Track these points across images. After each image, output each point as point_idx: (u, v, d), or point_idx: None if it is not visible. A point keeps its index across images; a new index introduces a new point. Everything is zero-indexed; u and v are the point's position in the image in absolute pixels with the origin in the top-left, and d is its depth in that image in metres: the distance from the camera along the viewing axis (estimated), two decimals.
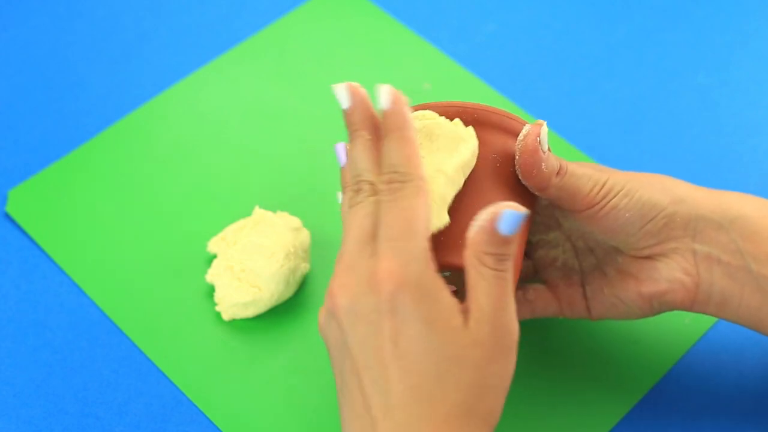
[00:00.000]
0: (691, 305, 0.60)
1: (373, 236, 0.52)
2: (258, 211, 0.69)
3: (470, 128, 0.57)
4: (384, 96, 0.53)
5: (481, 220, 0.51)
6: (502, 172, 0.57)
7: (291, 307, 0.68)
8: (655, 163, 0.75)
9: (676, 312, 0.67)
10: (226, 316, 0.67)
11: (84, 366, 0.66)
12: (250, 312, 0.67)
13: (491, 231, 0.51)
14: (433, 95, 0.77)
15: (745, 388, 0.65)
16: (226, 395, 0.64)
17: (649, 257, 0.60)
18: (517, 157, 0.57)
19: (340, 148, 0.57)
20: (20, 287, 0.69)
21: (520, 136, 0.57)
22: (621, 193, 0.58)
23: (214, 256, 0.70)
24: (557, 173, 0.57)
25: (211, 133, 0.76)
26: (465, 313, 0.51)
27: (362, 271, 0.51)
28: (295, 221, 0.69)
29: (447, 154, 0.56)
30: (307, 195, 0.72)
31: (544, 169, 0.56)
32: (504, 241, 0.51)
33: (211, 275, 0.67)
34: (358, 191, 0.53)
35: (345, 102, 0.55)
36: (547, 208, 0.63)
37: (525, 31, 0.82)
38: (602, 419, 0.63)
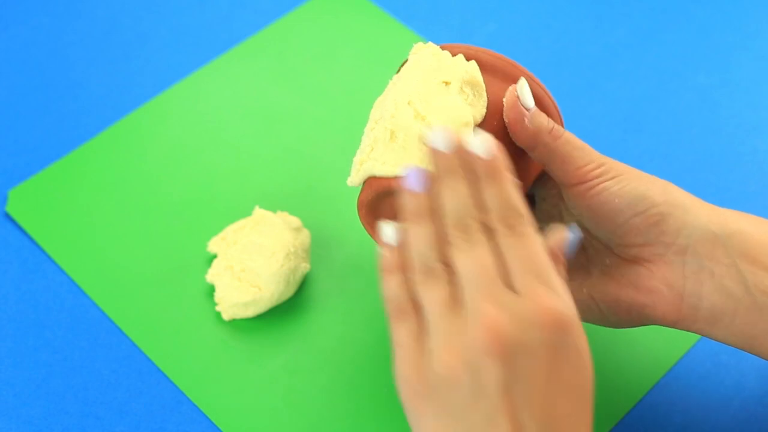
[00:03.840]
0: (674, 321, 0.58)
1: (499, 274, 0.51)
2: (258, 211, 0.69)
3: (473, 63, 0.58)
4: (480, 144, 0.52)
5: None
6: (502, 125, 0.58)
7: (291, 307, 0.68)
8: (655, 163, 0.75)
9: None
10: (226, 316, 0.67)
11: (84, 366, 0.66)
12: (250, 312, 0.67)
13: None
14: None
15: (745, 388, 0.65)
16: (226, 395, 0.64)
17: (634, 261, 0.58)
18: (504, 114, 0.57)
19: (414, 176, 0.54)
20: (20, 287, 0.69)
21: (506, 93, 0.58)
22: (616, 178, 0.57)
23: (214, 256, 0.70)
24: (549, 132, 0.57)
25: (211, 133, 0.76)
26: None
27: (519, 308, 0.50)
28: (295, 221, 0.69)
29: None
30: (307, 195, 0.72)
31: (528, 125, 0.56)
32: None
33: (211, 275, 0.67)
34: (466, 229, 0.52)
35: (444, 145, 0.53)
36: (553, 197, 0.62)
37: (525, 31, 0.82)
38: (602, 420, 0.63)
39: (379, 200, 0.58)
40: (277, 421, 0.63)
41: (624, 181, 0.57)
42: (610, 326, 0.60)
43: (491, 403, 0.49)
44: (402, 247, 0.53)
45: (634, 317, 0.59)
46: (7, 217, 0.72)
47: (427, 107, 0.57)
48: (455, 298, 0.51)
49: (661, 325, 0.58)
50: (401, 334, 0.52)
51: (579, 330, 0.50)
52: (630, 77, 0.79)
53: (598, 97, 0.78)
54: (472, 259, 0.50)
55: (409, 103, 0.57)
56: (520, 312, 0.49)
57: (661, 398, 0.65)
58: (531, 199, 0.64)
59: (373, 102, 0.72)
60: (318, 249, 0.70)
